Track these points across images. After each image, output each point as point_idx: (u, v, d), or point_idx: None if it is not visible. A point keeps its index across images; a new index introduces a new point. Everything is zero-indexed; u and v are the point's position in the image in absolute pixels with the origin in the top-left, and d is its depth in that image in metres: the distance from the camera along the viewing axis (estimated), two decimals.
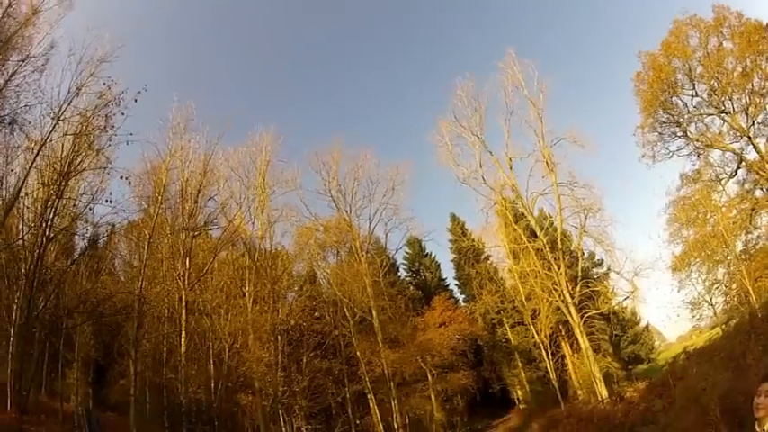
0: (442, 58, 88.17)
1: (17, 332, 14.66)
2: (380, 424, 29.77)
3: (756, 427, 3.65)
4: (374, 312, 32.23)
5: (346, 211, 35.00)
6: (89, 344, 25.18)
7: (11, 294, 15.88)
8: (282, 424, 26.41)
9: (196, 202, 23.38)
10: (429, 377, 33.53)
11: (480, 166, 32.37)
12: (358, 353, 31.13)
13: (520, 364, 37.48)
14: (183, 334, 21.37)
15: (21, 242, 15.85)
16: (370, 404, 30.67)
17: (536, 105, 31.25)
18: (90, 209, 17.73)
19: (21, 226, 16.76)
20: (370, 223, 36.17)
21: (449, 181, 43.68)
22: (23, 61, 16.65)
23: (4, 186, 17.22)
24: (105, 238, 21.69)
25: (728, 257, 28.76)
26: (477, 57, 76.80)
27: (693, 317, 31.45)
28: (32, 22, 17.56)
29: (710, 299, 29.92)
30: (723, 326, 26.25)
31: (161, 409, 21.64)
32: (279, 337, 27.72)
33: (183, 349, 21.26)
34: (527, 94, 31.52)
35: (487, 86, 33.56)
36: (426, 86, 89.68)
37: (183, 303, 21.68)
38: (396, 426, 29.94)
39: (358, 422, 30.14)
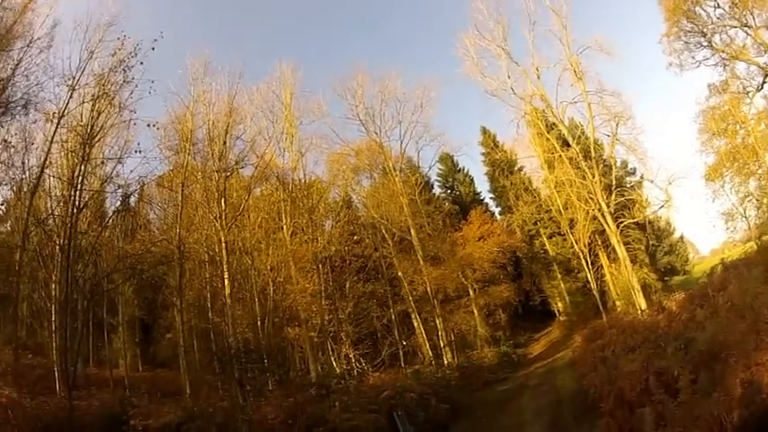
0: None
1: (58, 308, 14.00)
2: (426, 343, 29.19)
3: None
4: (413, 231, 31.44)
5: (376, 133, 33.55)
6: (132, 304, 25.08)
7: (48, 272, 15.27)
8: (331, 353, 25.96)
9: (225, 143, 21.97)
10: (471, 292, 32.93)
11: (508, 77, 31.02)
12: (400, 273, 30.44)
13: (559, 276, 36.84)
14: (226, 275, 20.39)
15: (52, 219, 14.99)
16: (415, 324, 30.08)
17: (559, 15, 29.79)
18: (121, 163, 16.68)
19: (50, 203, 15.96)
20: (402, 143, 34.89)
21: (477, 94, 41.54)
22: (28, 47, 15.92)
23: (26, 167, 16.84)
24: (137, 194, 20.61)
25: (759, 171, 28.02)
26: None
27: (728, 229, 31.34)
28: (30, 8, 16.67)
29: (744, 211, 29.77)
30: (757, 240, 26.39)
31: (210, 355, 21.17)
32: (320, 265, 26.77)
33: (227, 291, 20.37)
34: (549, 3, 29.88)
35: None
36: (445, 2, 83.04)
37: (223, 245, 20.59)
38: (442, 344, 29.50)
39: (404, 343, 29.46)
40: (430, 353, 29.00)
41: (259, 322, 22.27)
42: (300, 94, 29.88)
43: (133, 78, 15.43)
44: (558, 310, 38.61)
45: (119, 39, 15.48)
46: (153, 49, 15.31)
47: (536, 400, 17.62)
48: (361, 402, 17.05)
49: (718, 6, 27.70)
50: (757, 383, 7.59)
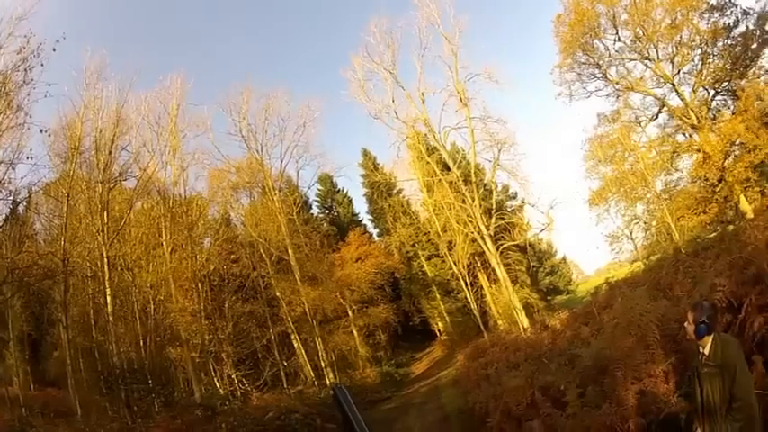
0: None
1: None
2: (308, 363, 32.26)
3: (700, 348, 4.81)
4: (290, 251, 34.24)
5: (257, 151, 36.48)
6: (21, 318, 25.80)
7: None
8: (213, 373, 28.31)
9: (110, 153, 24.15)
10: (350, 313, 36.80)
11: (392, 101, 34.69)
12: (278, 293, 33.24)
13: (438, 296, 41.36)
14: (108, 292, 22.32)
15: None
16: (295, 344, 33.07)
17: (451, 42, 33.58)
18: (13, 168, 18.57)
19: None
20: (282, 161, 37.92)
21: (360, 117, 46.47)
22: None
23: None
24: (25, 203, 22.11)
25: (648, 195, 31.99)
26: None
27: (613, 250, 35.29)
28: None
29: (630, 233, 33.71)
30: (644, 260, 29.44)
31: (97, 375, 22.61)
32: (200, 284, 29.10)
33: (109, 308, 22.25)
34: (442, 31, 33.92)
35: (402, 23, 35.76)
36: (342, 22, 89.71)
37: (105, 259, 22.56)
38: (323, 364, 32.56)
39: (285, 363, 32.28)
40: (312, 373, 32.05)
41: (141, 341, 23.96)
42: (187, 107, 32.85)
43: (32, 80, 17.15)
44: (439, 330, 43.11)
45: (25, 36, 17.01)
46: (54, 50, 17.08)
47: (422, 418, 19.66)
48: (248, 423, 19.29)
49: (619, 40, 32.25)
50: (651, 393, 8.75)
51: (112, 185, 24.54)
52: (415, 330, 44.07)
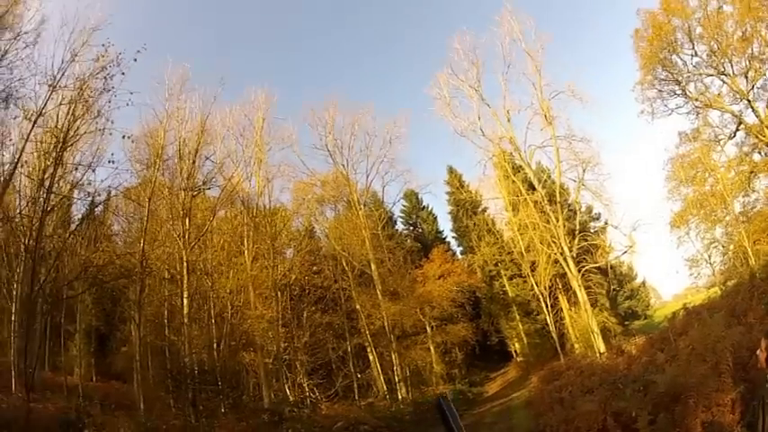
0: (438, 12, 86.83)
1: (19, 308, 15.01)
2: (381, 377, 30.81)
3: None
4: (373, 265, 33.13)
5: (343, 165, 35.59)
6: (90, 313, 26.11)
7: (11, 270, 16.20)
8: (285, 380, 27.28)
9: (194, 162, 23.61)
10: (428, 329, 34.83)
11: (478, 119, 33.39)
12: (358, 306, 32.06)
13: (518, 317, 38.89)
14: (185, 294, 21.70)
15: (19, 216, 16.05)
16: (371, 357, 31.70)
17: (534, 59, 32.18)
18: (92, 170, 17.96)
19: (18, 201, 16.97)
20: (368, 177, 36.97)
21: (446, 134, 44.72)
22: (15, 39, 16.58)
23: (1, 162, 17.39)
24: (104, 204, 21.90)
25: (727, 218, 30.00)
26: (475, 11, 75.48)
27: (692, 274, 32.82)
28: (21, 0, 17.55)
29: (709, 257, 31.34)
30: (721, 286, 27.64)
31: (165, 372, 22.09)
32: (279, 293, 28.36)
33: (185, 310, 21.62)
34: (525, 47, 32.35)
35: (484, 40, 34.36)
36: (423, 40, 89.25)
37: (185, 264, 21.95)
38: (396, 378, 31.06)
39: (359, 376, 31.10)
40: (384, 387, 30.52)
41: (215, 344, 23.24)
42: (272, 120, 31.73)
43: (113, 87, 16.43)
44: (516, 351, 40.65)
45: (103, 45, 16.42)
46: (135, 60, 16.37)
47: None
48: (315, 431, 18.65)
49: (696, 55, 30.21)
50: (717, 423, 8.28)
51: (195, 193, 23.95)
52: (491, 350, 41.63)
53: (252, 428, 18.74)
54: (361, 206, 35.51)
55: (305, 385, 28.15)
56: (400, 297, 33.32)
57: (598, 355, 24.59)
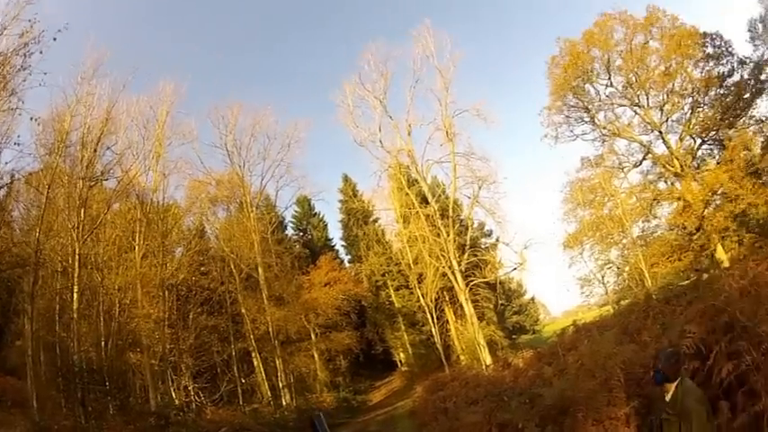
0: (357, 23, 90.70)
1: None
2: (266, 383, 32.56)
3: (664, 395, 4.97)
4: (260, 269, 34.93)
5: (240, 166, 37.40)
6: None
7: None
8: (170, 383, 28.22)
9: (95, 150, 24.26)
10: (313, 336, 37.19)
11: (379, 130, 35.85)
12: (243, 310, 33.59)
13: (403, 327, 42.09)
14: (76, 289, 22.32)
15: None
16: (255, 362, 33.41)
17: (444, 76, 34.99)
18: None
19: None
20: (263, 179, 38.89)
21: (345, 142, 47.12)
22: None
23: None
24: (6, 188, 22.21)
25: (624, 241, 33.23)
26: (392, 25, 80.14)
27: (583, 293, 36.20)
28: None
29: (602, 277, 34.57)
30: (614, 304, 30.37)
31: (56, 370, 22.33)
32: (167, 292, 29.28)
33: (75, 305, 22.19)
34: (436, 63, 35.06)
35: (398, 53, 36.91)
36: (337, 50, 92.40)
37: (77, 257, 22.59)
38: (281, 384, 33.02)
39: (243, 381, 32.48)
40: (269, 393, 32.37)
41: (103, 342, 23.84)
42: (176, 115, 32.60)
43: (30, 66, 17.34)
44: (401, 361, 43.79)
45: (29, 21, 17.10)
46: (54, 39, 17.09)
47: None
48: None
49: (611, 85, 33.28)
50: None
51: (93, 183, 24.49)
52: (376, 359, 44.64)
53: (138, 431, 19.73)
54: (254, 209, 37.09)
55: (190, 388, 29.13)
56: (286, 303, 35.34)
57: (484, 367, 26.26)
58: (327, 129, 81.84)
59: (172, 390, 28.60)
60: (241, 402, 31.07)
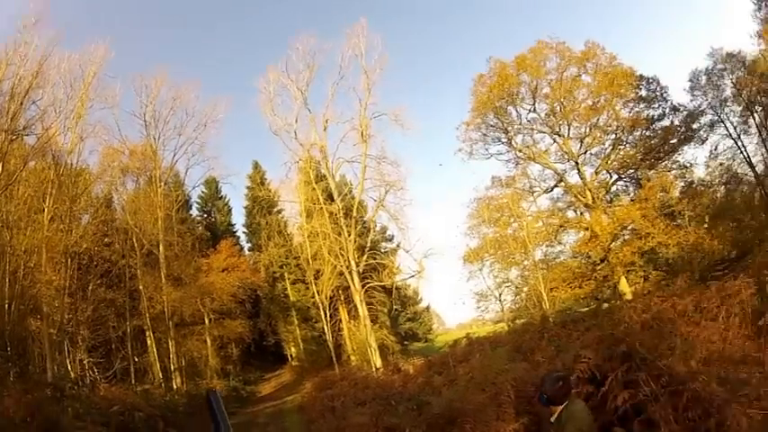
0: (299, 11, 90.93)
1: None
2: (158, 363, 32.75)
3: (551, 415, 5.32)
4: (161, 247, 35.22)
5: (155, 138, 37.48)
6: None
7: None
8: (67, 355, 28.18)
9: (22, 104, 24.11)
10: (207, 321, 37.91)
11: (296, 121, 37.32)
12: (141, 286, 33.55)
13: (296, 321, 43.46)
14: None
15: None
16: (149, 342, 33.51)
17: (369, 77, 36.68)
18: None
19: None
20: (175, 155, 39.27)
21: (262, 129, 48.22)
22: None
23: None
24: None
25: (525, 262, 35.12)
26: (333, 18, 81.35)
27: (479, 308, 38.32)
28: None
29: (499, 295, 36.50)
30: (510, 322, 31.77)
31: None
32: (69, 260, 28.98)
33: None
34: (364, 64, 36.74)
35: (327, 47, 38.69)
36: (272, 36, 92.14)
37: None
38: (172, 367, 33.54)
39: (137, 359, 32.55)
40: (160, 374, 32.61)
41: (7, 305, 23.52)
42: (102, 77, 32.05)
43: None
44: (291, 355, 45.13)
45: None
46: None
47: None
48: (93, 413, 19.36)
49: (534, 111, 35.39)
50: None
51: (15, 137, 24.45)
52: (267, 351, 45.86)
53: (36, 402, 19.29)
54: (162, 184, 37.23)
55: (85, 362, 29.19)
56: (183, 284, 35.80)
57: (374, 369, 27.61)
58: (246, 112, 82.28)
59: (68, 362, 28.51)
60: (134, 381, 31.18)
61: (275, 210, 46.82)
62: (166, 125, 38.25)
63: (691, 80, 35.46)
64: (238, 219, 52.47)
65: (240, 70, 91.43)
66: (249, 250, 49.42)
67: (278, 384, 40.21)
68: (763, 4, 27.48)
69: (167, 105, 38.31)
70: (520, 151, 37.15)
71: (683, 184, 35.35)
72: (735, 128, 34.95)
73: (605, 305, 23.79)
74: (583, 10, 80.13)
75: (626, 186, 37.28)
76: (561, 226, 36.36)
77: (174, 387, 32.88)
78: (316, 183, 37.73)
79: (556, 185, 37.28)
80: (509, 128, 36.96)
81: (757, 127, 34.01)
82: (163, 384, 32.32)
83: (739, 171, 35.59)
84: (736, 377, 8.02)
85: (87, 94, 31.04)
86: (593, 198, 34.81)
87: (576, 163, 35.63)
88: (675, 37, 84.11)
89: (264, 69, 40.99)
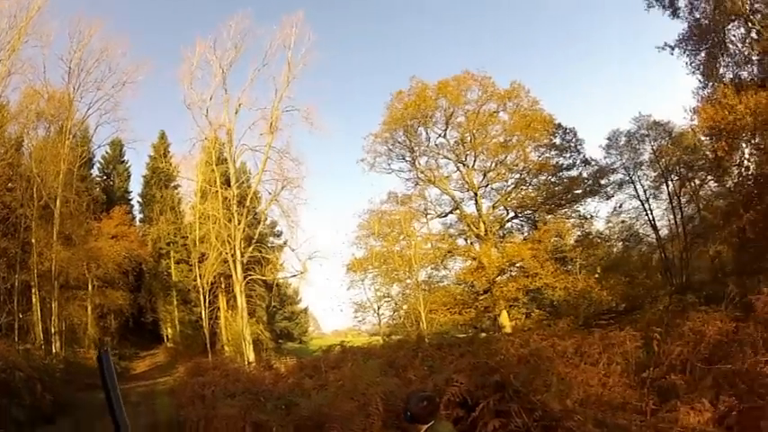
0: None
1: None
2: (40, 324, 32.72)
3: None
4: (58, 202, 35.00)
5: (75, 88, 37.27)
6: None
7: None
8: None
9: None
10: (90, 287, 37.99)
11: (210, 99, 38.54)
12: (34, 240, 33.47)
13: (176, 302, 44.42)
14: None
15: None
16: (34, 299, 33.39)
17: (291, 70, 38.50)
18: None
19: None
20: (89, 109, 39.20)
21: (176, 100, 48.45)
22: None
23: None
24: None
25: (408, 281, 37.45)
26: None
27: (356, 317, 40.57)
28: None
29: (378, 308, 38.76)
30: (385, 337, 34.18)
31: None
32: None
33: None
34: (289, 56, 38.59)
35: (260, 32, 40.49)
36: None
37: None
38: (53, 330, 33.56)
39: (21, 316, 32.44)
40: (41, 336, 32.60)
41: None
42: (45, 11, 32.31)
43: None
44: (167, 336, 45.56)
45: None
46: None
47: (134, 420, 22.38)
48: None
49: (444, 137, 37.93)
50: None
51: None
52: (145, 328, 46.06)
53: None
54: (71, 137, 37.10)
55: None
56: (73, 244, 35.91)
57: (246, 363, 28.78)
58: (165, 80, 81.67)
59: None
60: (17, 339, 31.28)
61: (172, 184, 47.45)
62: (88, 76, 38.20)
63: (609, 139, 39.27)
64: (136, 187, 52.20)
65: (173, 37, 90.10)
66: (141, 221, 49.36)
67: (152, 364, 40.82)
68: (710, 84, 30.60)
69: (94, 56, 38.27)
70: (422, 172, 40.01)
71: (579, 233, 39.32)
72: (645, 191, 38.74)
73: (483, 334, 27.67)
74: (531, 54, 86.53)
75: (521, 225, 41.03)
76: (450, 251, 39.32)
77: (54, 351, 33.08)
78: (216, 165, 38.94)
79: (451, 212, 40.39)
80: (416, 148, 39.88)
81: (669, 194, 37.67)
82: (43, 346, 32.44)
83: (641, 231, 39.69)
84: (615, 422, 8.63)
85: (26, 29, 31.66)
86: (486, 230, 38.08)
87: (476, 194, 38.93)
88: (609, 95, 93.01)
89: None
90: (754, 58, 28.81)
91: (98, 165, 49.64)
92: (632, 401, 9.66)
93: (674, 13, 30.72)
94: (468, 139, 38.73)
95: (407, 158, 40.59)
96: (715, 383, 9.28)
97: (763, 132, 25.40)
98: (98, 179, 48.73)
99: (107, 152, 49.25)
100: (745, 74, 29.52)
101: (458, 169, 39.75)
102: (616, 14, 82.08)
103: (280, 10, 77.47)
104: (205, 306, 38.08)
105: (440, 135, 39.61)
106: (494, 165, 38.72)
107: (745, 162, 28.04)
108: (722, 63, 30.20)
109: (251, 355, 33.42)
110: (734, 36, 29.67)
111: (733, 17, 28.46)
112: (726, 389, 9.01)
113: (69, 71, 37.08)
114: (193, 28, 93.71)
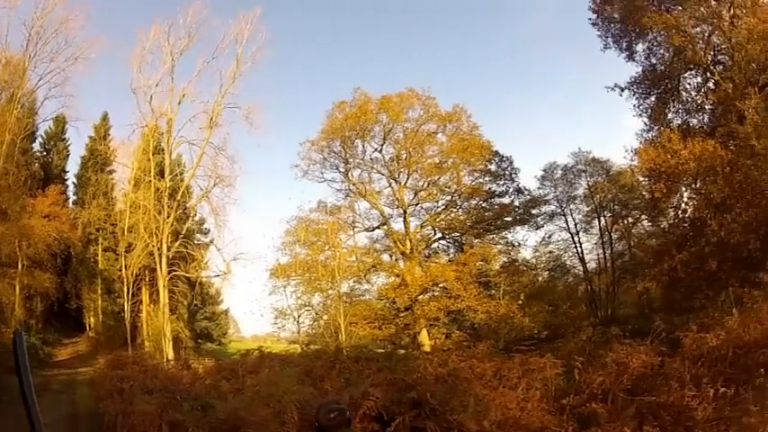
0: None
1: None
2: None
3: None
4: None
5: (30, 56, 37.60)
6: None
7: None
8: None
9: None
10: (20, 266, 37.92)
11: (156, 86, 39.76)
12: None
13: (100, 291, 44.70)
14: None
15: None
16: None
17: (239, 67, 40.28)
18: None
19: None
20: (40, 80, 39.46)
21: (123, 82, 48.98)
22: None
23: None
24: None
25: (330, 291, 39.51)
26: None
27: (276, 324, 42.46)
28: None
29: (298, 316, 40.66)
30: (303, 345, 35.63)
31: None
32: None
33: None
34: (240, 53, 40.54)
35: (215, 24, 42.27)
36: None
37: None
38: None
39: None
40: None
41: None
42: None
43: None
44: (90, 325, 45.57)
45: None
46: None
47: (56, 409, 20.31)
48: None
49: (380, 151, 39.70)
50: None
51: None
52: (69, 314, 46.06)
53: None
54: (19, 106, 37.39)
55: None
56: (8, 219, 35.82)
57: (165, 360, 29.43)
58: (116, 59, 79.62)
59: None
60: None
61: (108, 169, 48.00)
62: (45, 46, 38.61)
63: (545, 170, 42.33)
64: (73, 167, 51.81)
65: (134, 17, 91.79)
66: (74, 203, 49.13)
67: (74, 352, 41.01)
68: (655, 127, 33.17)
69: (54, 26, 38.77)
70: (354, 185, 42.38)
71: (506, 259, 42.15)
72: (576, 224, 42.00)
73: (402, 351, 30.18)
74: (480, 78, 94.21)
75: (447, 246, 43.64)
76: (374, 266, 41.62)
77: None
78: (153, 154, 40.16)
79: (379, 227, 42.81)
80: (350, 159, 42.29)
81: (600, 230, 41.02)
82: None
83: (568, 263, 42.83)
84: None
85: None
86: (411, 248, 40.40)
87: (405, 212, 41.36)
88: (552, 128, 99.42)
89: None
90: (707, 106, 31.84)
91: (40, 139, 49.16)
92: (551, 426, 10.18)
93: (630, 57, 33.75)
94: (404, 156, 41.13)
95: (341, 169, 43.02)
96: (638, 414, 9.82)
97: (705, 178, 27.68)
98: (38, 154, 48.38)
99: (50, 127, 48.70)
100: (694, 121, 32.68)
101: (390, 185, 42.22)
102: (572, 51, 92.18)
103: (239, 4, 78.47)
104: (128, 298, 38.59)
105: (376, 149, 41.95)
106: (426, 184, 41.30)
107: (683, 205, 30.64)
108: (672, 109, 33.40)
109: (170, 353, 34.28)
110: (689, 84, 32.87)
111: (691, 66, 31.50)
112: (649, 420, 9.57)
113: (29, 38, 37.47)
114: (156, 10, 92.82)
